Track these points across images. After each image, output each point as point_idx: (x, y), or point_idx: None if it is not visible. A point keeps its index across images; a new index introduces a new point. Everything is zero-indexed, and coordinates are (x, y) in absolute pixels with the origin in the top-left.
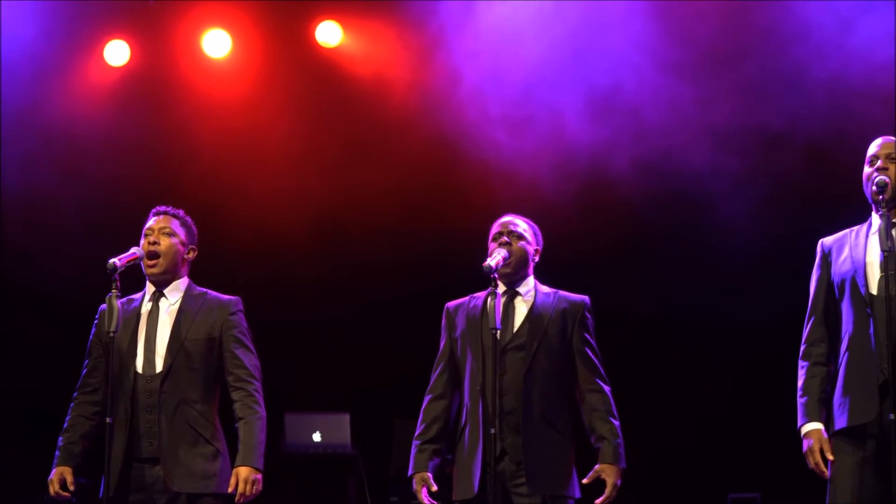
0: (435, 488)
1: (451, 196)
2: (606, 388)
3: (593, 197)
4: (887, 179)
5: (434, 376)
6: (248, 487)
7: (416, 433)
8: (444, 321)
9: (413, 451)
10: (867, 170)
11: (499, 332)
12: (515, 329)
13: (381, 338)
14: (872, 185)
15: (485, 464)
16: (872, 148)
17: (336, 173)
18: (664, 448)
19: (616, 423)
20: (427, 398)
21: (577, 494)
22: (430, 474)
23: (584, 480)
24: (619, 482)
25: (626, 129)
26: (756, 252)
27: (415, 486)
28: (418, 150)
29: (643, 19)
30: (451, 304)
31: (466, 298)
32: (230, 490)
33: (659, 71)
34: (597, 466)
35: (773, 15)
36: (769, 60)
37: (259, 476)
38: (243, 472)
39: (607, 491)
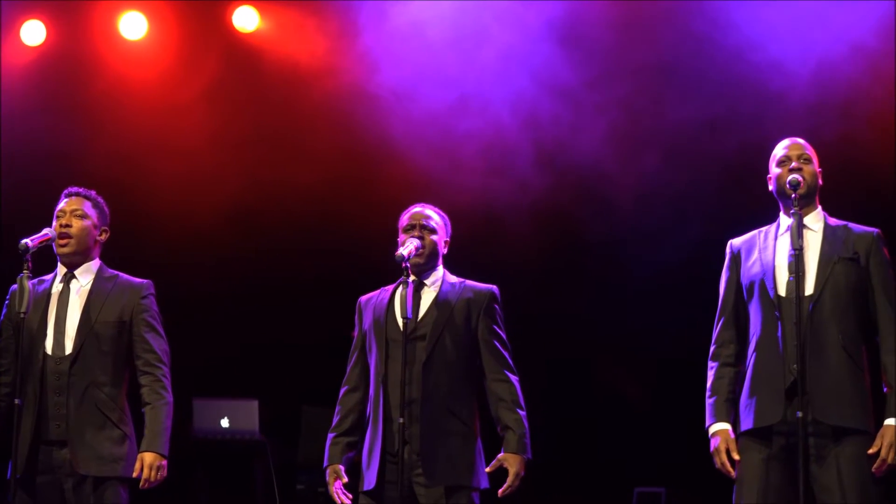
0: (346, 480)
1: (365, 185)
2: (513, 379)
3: (509, 194)
4: (801, 179)
5: (349, 368)
6: (153, 473)
7: (332, 425)
8: (356, 315)
9: (328, 443)
10: (777, 170)
11: (405, 321)
12: (420, 319)
13: (291, 325)
14: (787, 184)
15: (384, 454)
16: (781, 149)
17: (250, 157)
18: (572, 443)
19: (522, 413)
20: (343, 390)
21: (484, 485)
22: (342, 467)
23: (487, 469)
24: (522, 472)
25: (543, 131)
26: (673, 258)
27: (328, 478)
28: (333, 136)
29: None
30: (364, 297)
31: (377, 291)
32: (135, 475)
33: (577, 75)
34: (500, 455)
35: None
36: (687, 69)
37: (164, 462)
38: (148, 457)
39: (509, 480)
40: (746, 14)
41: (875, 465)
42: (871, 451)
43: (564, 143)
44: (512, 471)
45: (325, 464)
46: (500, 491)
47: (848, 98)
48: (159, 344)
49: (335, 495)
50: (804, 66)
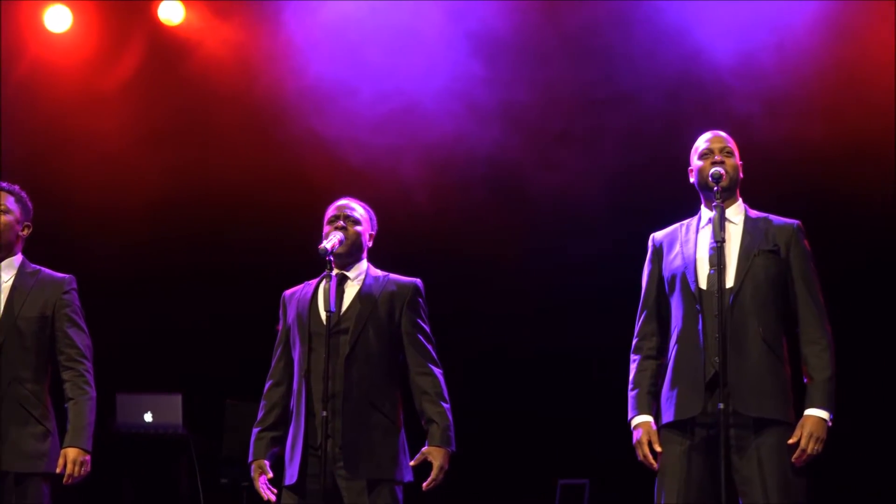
0: (271, 475)
1: (291, 179)
2: (437, 372)
3: (439, 190)
4: (723, 171)
5: (273, 362)
6: (77, 469)
7: (257, 420)
8: (280, 309)
9: (252, 438)
10: (699, 163)
11: (328, 315)
12: (343, 312)
13: (214, 319)
14: (709, 177)
15: (307, 448)
16: (703, 142)
17: (174, 150)
18: (497, 435)
19: (446, 406)
20: (267, 384)
21: (407, 478)
22: (267, 461)
23: (411, 463)
24: (446, 465)
25: (470, 127)
26: (595, 252)
27: (252, 472)
28: (259, 130)
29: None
30: (288, 291)
31: (302, 286)
32: (58, 471)
33: (502, 68)
34: (424, 449)
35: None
36: (603, 60)
37: (87, 457)
38: (72, 453)
39: (433, 473)
40: (674, 6)
41: (795, 456)
42: (791, 441)
43: (492, 137)
44: (436, 464)
45: (250, 458)
46: (424, 484)
47: (774, 92)
48: (82, 339)
49: (260, 490)
50: (731, 58)
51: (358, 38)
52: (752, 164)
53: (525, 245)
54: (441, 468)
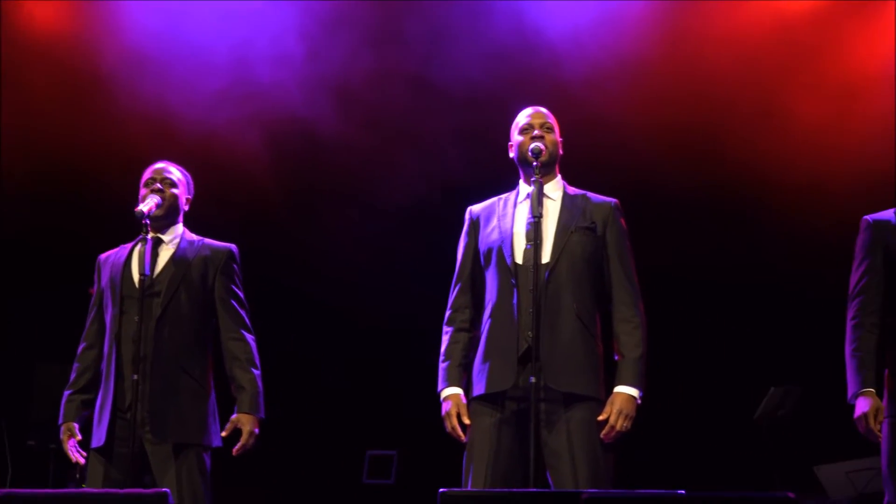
0: (80, 437)
1: (111, 142)
2: (249, 338)
3: (257, 151)
4: (542, 147)
5: (87, 325)
6: None
7: (69, 382)
8: (95, 272)
9: (63, 400)
10: (519, 138)
11: (142, 278)
12: (156, 275)
13: (26, 281)
14: (528, 152)
15: (115, 411)
16: (524, 117)
17: (11, 131)
18: (307, 404)
19: (256, 372)
20: (80, 347)
21: (216, 443)
22: (76, 424)
23: (223, 434)
24: (256, 430)
25: (298, 95)
26: (403, 221)
27: (62, 435)
28: (77, 95)
29: None
30: (103, 255)
31: (117, 249)
32: None
33: (327, 52)
34: (233, 417)
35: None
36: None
37: None
38: None
39: (242, 439)
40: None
41: (604, 432)
42: (600, 417)
43: (318, 112)
44: (245, 430)
45: (60, 421)
46: (234, 450)
47: (602, 72)
48: None
49: (69, 453)
50: (560, 37)
51: (185, 6)
52: (574, 143)
53: (349, 221)
54: (251, 434)
